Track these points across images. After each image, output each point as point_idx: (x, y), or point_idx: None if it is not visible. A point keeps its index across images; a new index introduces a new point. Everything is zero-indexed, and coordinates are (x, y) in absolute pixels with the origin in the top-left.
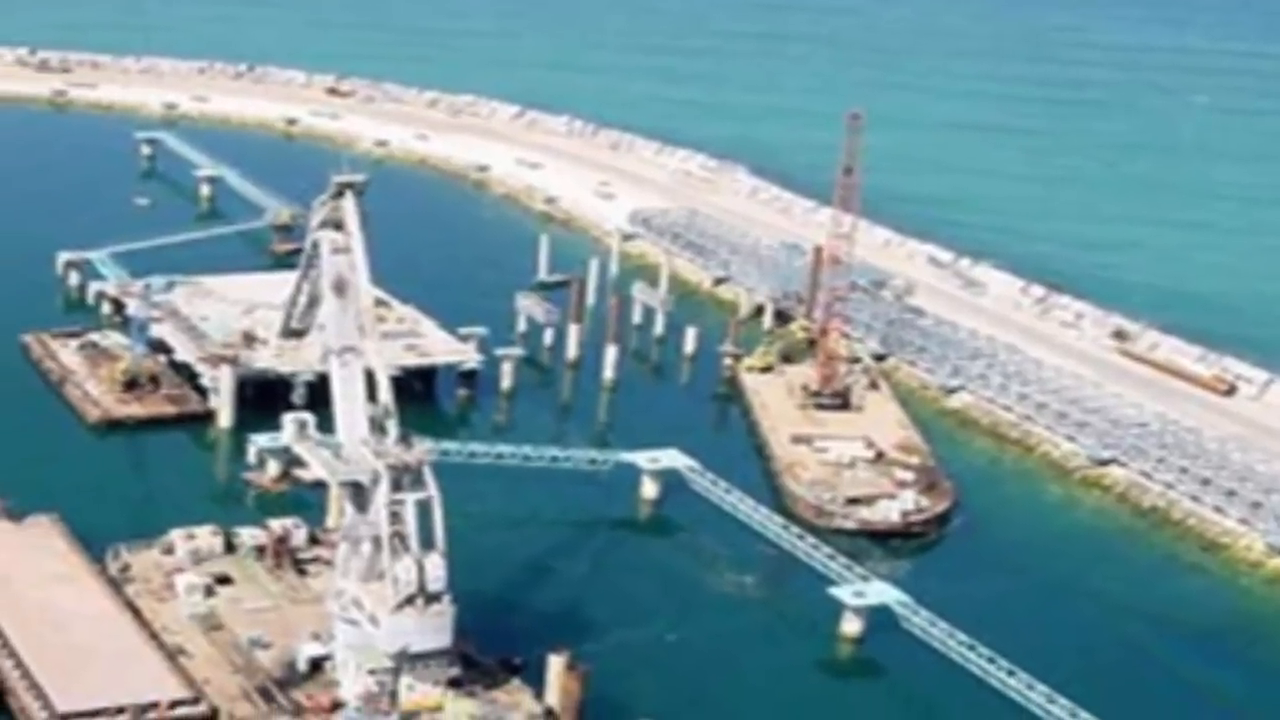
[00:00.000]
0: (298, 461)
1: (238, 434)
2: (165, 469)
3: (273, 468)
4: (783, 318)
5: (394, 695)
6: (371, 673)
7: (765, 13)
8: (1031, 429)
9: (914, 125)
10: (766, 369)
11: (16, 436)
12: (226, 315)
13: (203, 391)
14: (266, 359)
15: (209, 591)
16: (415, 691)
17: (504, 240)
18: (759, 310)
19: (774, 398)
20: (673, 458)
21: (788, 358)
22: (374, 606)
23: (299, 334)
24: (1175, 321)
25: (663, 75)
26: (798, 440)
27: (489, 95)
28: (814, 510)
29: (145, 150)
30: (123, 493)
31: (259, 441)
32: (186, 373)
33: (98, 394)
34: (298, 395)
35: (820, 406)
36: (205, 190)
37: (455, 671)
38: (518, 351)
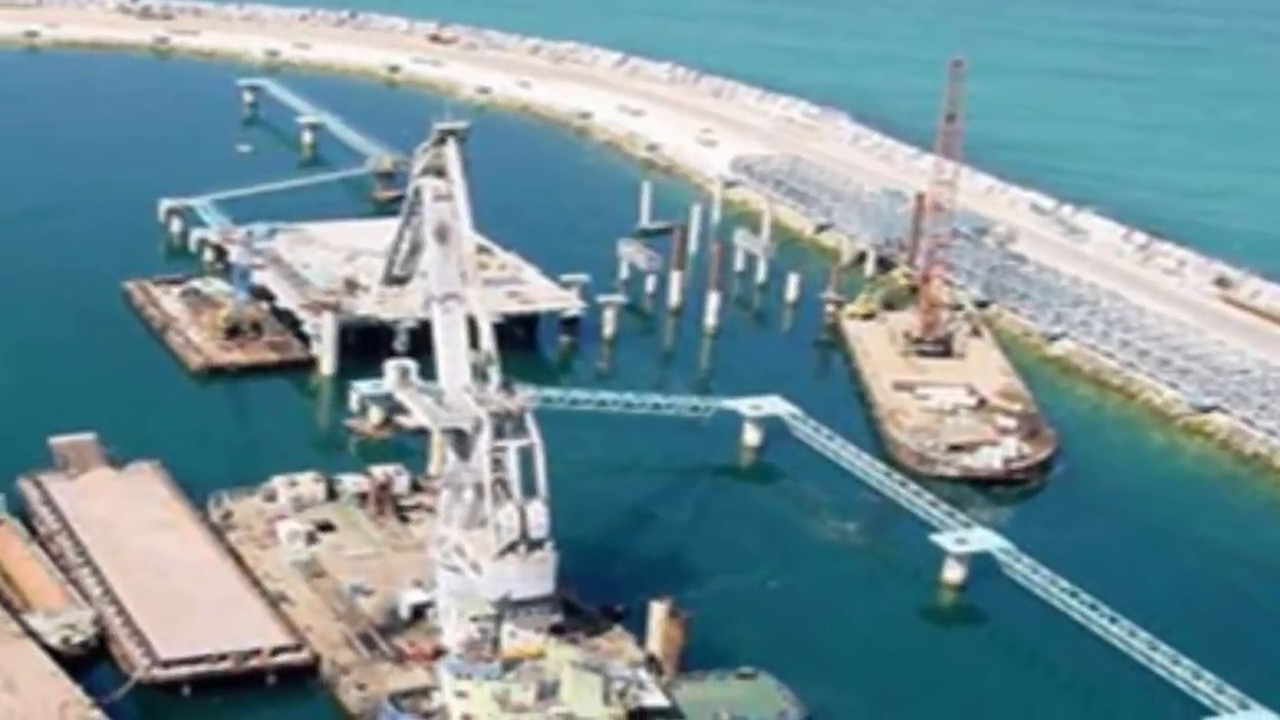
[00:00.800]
0: (400, 408)
1: (340, 381)
2: (267, 416)
3: (375, 414)
4: (885, 265)
5: (496, 642)
6: (473, 620)
7: None
8: (1133, 376)
9: (1016, 72)
10: (868, 316)
11: (118, 383)
12: (329, 262)
13: (305, 338)
14: (369, 306)
15: (311, 538)
16: (517, 639)
17: (606, 187)
18: (861, 257)
19: (876, 345)
20: (775, 404)
21: (890, 304)
22: (476, 553)
23: (401, 281)
24: (1277, 269)
25: (764, 22)
26: (900, 387)
27: (591, 43)
28: (916, 457)
29: (247, 97)
30: (224, 440)
31: (361, 388)
32: (288, 319)
33: (200, 341)
34: (400, 342)
35: (922, 353)
36: (307, 137)
37: (557, 619)
38: (620, 298)
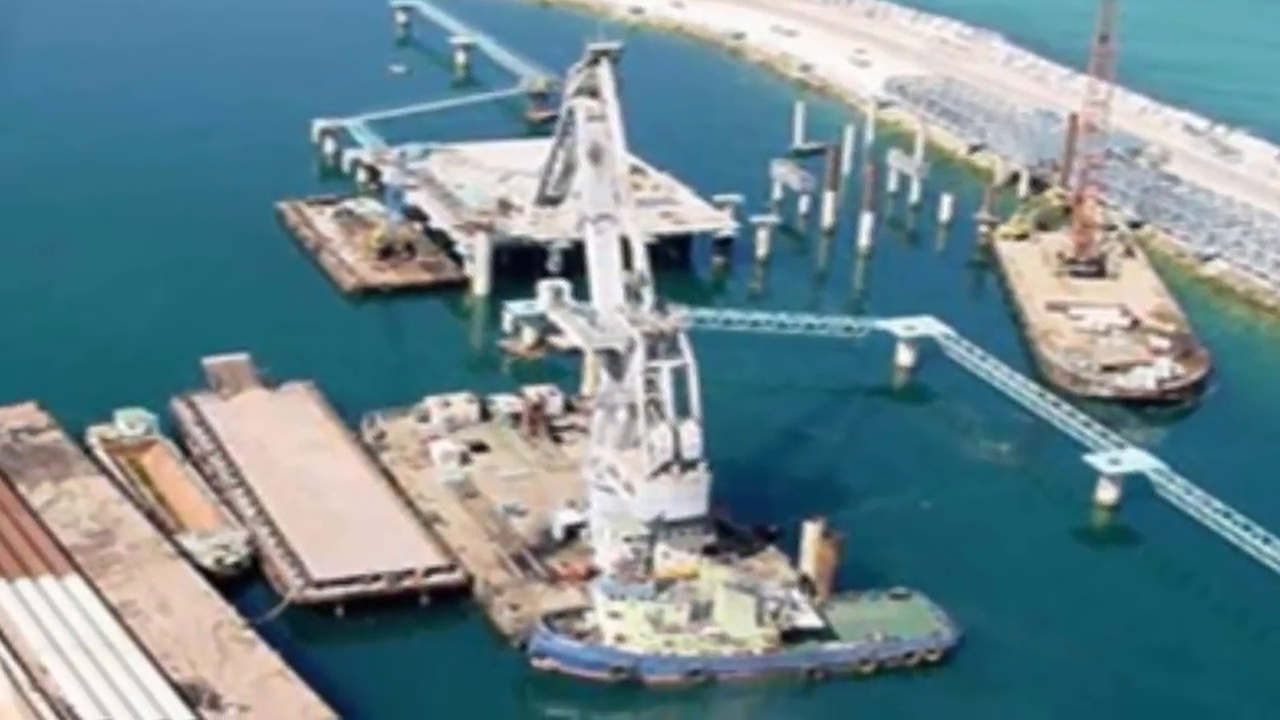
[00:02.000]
0: (553, 329)
1: (493, 301)
2: (420, 336)
3: (528, 335)
4: (1038, 185)
5: (649, 563)
6: (627, 540)
7: None
8: None
9: None
10: (1022, 236)
11: (272, 304)
12: (482, 182)
13: (458, 259)
14: (522, 226)
15: (464, 459)
16: (670, 559)
17: (759, 108)
18: (1014, 178)
19: (1029, 265)
20: (928, 325)
21: (1043, 225)
22: (629, 474)
23: (554, 201)
24: None
25: None
26: (1053, 308)
27: None
28: (1069, 377)
29: (400, 18)
30: (378, 360)
31: (514, 309)
32: (442, 240)
33: (353, 261)
34: (553, 263)
35: (1076, 274)
36: (460, 58)
37: (710, 539)
38: (773, 219)
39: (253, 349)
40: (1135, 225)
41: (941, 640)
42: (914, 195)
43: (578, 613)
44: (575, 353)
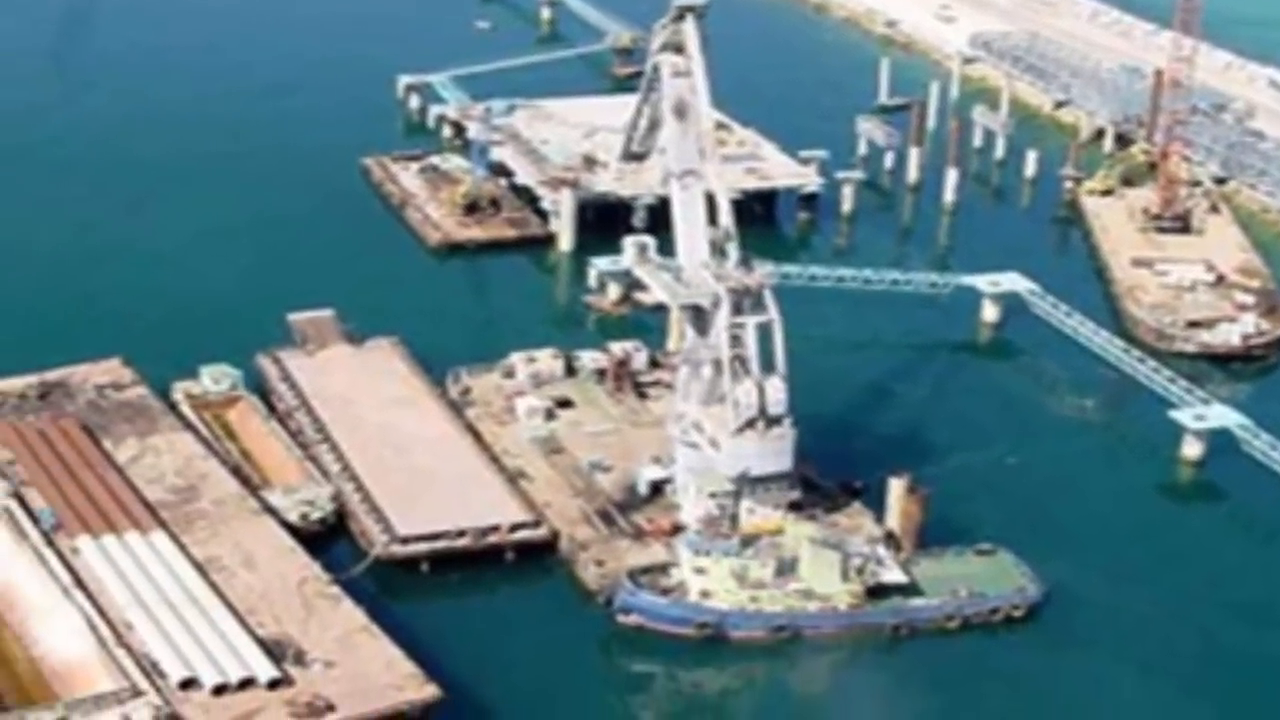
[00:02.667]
0: (638, 285)
1: (578, 257)
2: (505, 292)
3: (613, 291)
4: (1123, 141)
5: (734, 519)
6: (712, 496)
7: None
8: None
9: None
10: (1107, 192)
11: (357, 260)
12: (567, 139)
13: (543, 215)
14: (607, 182)
15: (549, 415)
16: (755, 515)
17: (844, 64)
18: (1099, 133)
19: (1114, 221)
20: (1013, 281)
21: (1128, 181)
22: (715, 430)
23: (639, 157)
24: None
25: None
26: (1138, 263)
27: None
28: (1154, 333)
29: None
30: (462, 316)
31: (599, 265)
32: (527, 196)
33: (438, 217)
34: (638, 218)
35: (1161, 230)
36: (546, 13)
37: (795, 495)
38: (858, 175)
39: (338, 305)
40: (1220, 181)
41: (1026, 596)
42: (999, 151)
43: (663, 568)
44: (660, 308)
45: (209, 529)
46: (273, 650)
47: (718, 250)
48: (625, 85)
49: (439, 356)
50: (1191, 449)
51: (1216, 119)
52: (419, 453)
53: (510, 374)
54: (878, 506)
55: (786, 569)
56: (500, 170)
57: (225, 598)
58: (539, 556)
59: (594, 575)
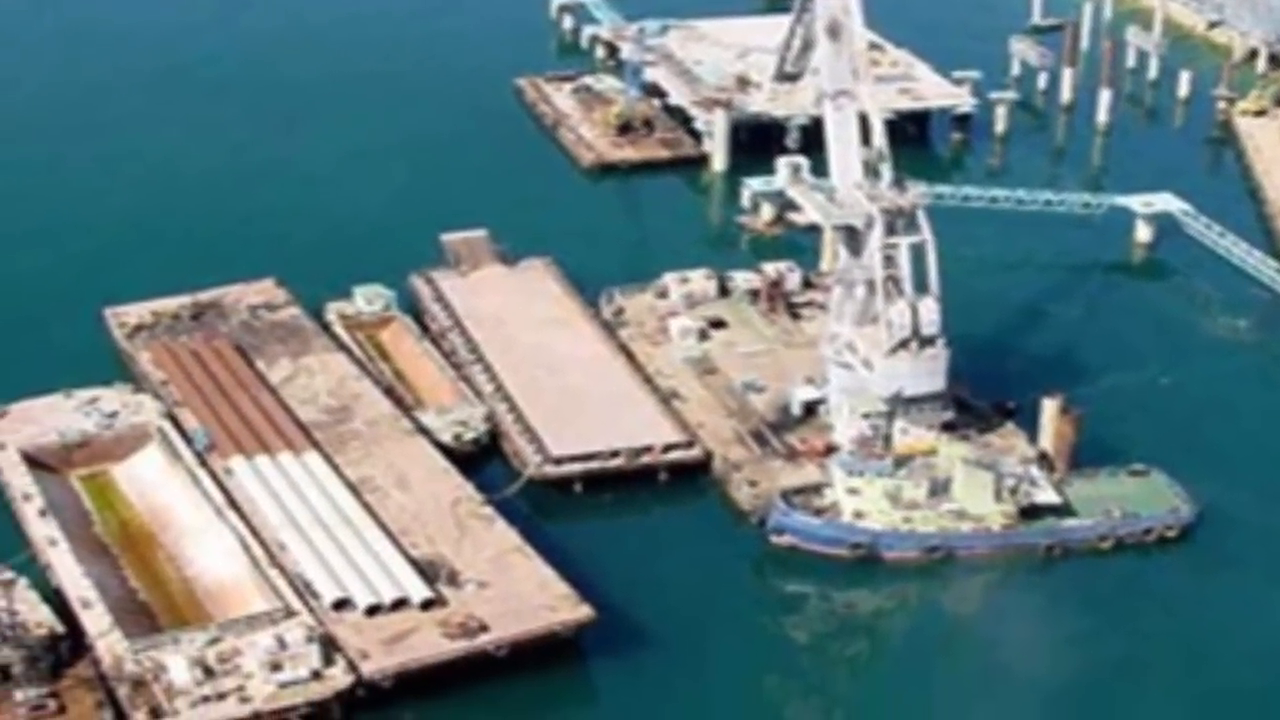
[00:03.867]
0: (791, 205)
1: (731, 178)
2: (658, 212)
3: (766, 211)
4: (1276, 62)
5: (887, 439)
6: (865, 416)
7: None
8: None
9: None
10: (1260, 112)
11: (510, 180)
12: (720, 59)
13: (696, 135)
14: (760, 103)
15: (702, 335)
16: (909, 435)
17: None
18: (1253, 54)
19: (1268, 141)
20: (1166, 201)
21: None
22: (868, 350)
23: (793, 78)
24: None
25: None
26: None
27: None
28: None
29: None
30: (615, 236)
31: (753, 185)
32: (680, 116)
33: (591, 138)
34: (791, 139)
35: None
36: None
37: (949, 415)
38: (1011, 95)
39: (491, 225)
40: None
41: (1180, 517)
42: (1152, 71)
43: (816, 489)
44: (813, 229)
45: (362, 449)
46: (426, 571)
47: (871, 171)
48: (778, 5)
49: (592, 277)
50: None
51: None
52: (572, 373)
53: (663, 294)
54: (1031, 427)
55: (940, 489)
56: (653, 91)
57: (378, 518)
58: (692, 477)
59: (747, 496)
